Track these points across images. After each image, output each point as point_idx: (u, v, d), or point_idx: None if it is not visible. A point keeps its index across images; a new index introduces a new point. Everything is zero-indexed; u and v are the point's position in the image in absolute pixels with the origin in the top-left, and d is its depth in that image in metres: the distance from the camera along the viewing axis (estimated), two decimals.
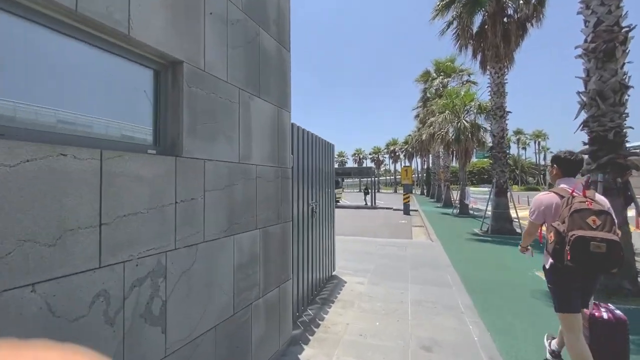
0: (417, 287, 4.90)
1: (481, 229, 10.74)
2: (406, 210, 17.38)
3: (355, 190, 58.11)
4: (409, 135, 53.65)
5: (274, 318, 2.83)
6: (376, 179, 56.62)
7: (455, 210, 16.97)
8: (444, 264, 6.28)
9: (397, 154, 61.56)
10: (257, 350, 2.55)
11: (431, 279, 5.27)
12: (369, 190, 23.43)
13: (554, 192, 2.47)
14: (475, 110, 16.38)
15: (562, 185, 2.48)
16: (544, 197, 2.51)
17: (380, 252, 7.34)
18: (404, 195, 17.84)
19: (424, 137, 18.88)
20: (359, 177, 27.30)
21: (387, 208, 21.41)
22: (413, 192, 51.09)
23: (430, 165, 36.14)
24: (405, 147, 55.28)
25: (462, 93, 16.96)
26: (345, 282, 5.12)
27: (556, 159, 2.59)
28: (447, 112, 16.43)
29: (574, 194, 2.31)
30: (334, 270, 5.54)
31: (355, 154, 72.43)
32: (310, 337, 3.31)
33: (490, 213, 10.62)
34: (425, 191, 39.25)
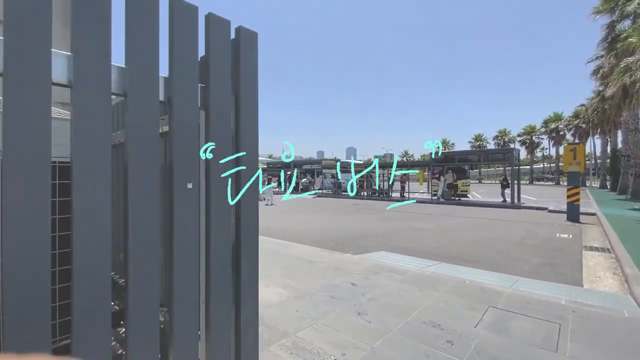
0: None
1: None
2: (573, 215, 10.78)
3: (497, 181, 47.28)
4: (581, 105, 39.60)
5: None
6: (525, 166, 44.95)
7: None
8: None
9: (562, 133, 46.14)
10: None
11: None
12: (508, 182, 16.66)
13: None
14: None
15: None
16: None
17: (482, 335, 2.94)
18: (568, 189, 11.13)
19: (609, 93, 11.23)
20: (496, 163, 20.28)
21: (538, 208, 14.58)
22: (587, 184, 37.44)
23: (619, 144, 24.73)
24: (575, 122, 41.02)
25: None
26: None
27: None
28: None
29: None
30: None
31: (497, 136, 58.46)
32: None
33: None
34: (608, 183, 27.45)
